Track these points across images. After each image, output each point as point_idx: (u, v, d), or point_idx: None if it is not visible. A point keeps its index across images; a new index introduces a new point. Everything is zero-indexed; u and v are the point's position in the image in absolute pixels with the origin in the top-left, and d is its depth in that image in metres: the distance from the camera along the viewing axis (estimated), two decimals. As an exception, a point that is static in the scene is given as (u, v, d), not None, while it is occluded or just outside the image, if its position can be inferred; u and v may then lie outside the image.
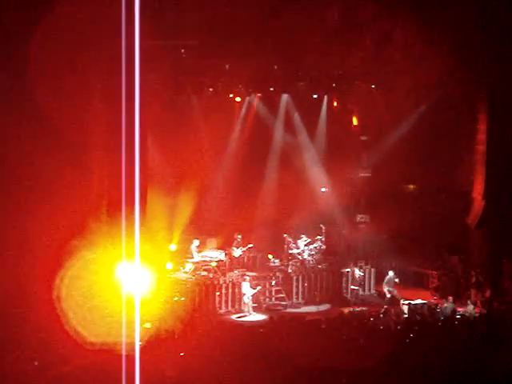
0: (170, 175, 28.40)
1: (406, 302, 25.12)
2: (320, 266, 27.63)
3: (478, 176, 27.97)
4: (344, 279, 27.57)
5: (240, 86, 28.74)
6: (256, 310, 25.70)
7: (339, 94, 29.91)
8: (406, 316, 23.97)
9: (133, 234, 16.31)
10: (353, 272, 27.52)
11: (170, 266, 26.68)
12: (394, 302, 25.85)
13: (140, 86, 16.35)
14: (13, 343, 17.87)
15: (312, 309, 26.34)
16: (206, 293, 25.51)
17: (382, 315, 23.25)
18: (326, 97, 30.31)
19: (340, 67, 27.43)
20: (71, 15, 21.02)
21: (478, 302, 25.72)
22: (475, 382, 16.97)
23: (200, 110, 29.12)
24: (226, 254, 27.30)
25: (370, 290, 28.16)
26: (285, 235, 28.05)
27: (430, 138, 28.92)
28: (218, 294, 25.64)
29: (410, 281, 28.91)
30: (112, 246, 20.97)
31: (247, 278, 25.93)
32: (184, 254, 27.50)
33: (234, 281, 26.00)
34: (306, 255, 27.68)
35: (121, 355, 15.41)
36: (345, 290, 27.54)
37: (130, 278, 20.21)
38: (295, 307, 26.60)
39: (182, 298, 24.72)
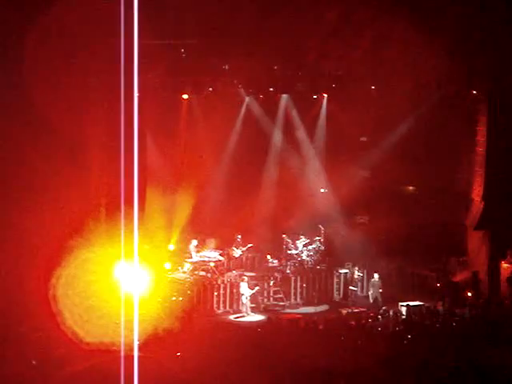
0: (169, 175, 28.39)
1: (405, 303, 25.11)
2: (318, 267, 27.59)
3: (477, 178, 27.94)
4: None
5: (239, 86, 28.70)
6: (254, 310, 25.67)
7: (339, 95, 29.86)
8: (404, 317, 23.96)
9: (131, 234, 16.30)
10: (352, 273, 27.48)
11: (168, 265, 26.69)
12: (377, 306, 25.78)
13: (139, 85, 16.35)
14: (10, 342, 17.85)
15: (310, 309, 26.33)
16: (204, 293, 25.51)
17: (380, 316, 23.25)
18: (325, 97, 30.29)
19: (339, 68, 27.39)
20: (69, 14, 21.00)
21: (476, 303, 25.72)
22: (473, 383, 16.96)
23: (199, 110, 29.09)
24: (224, 254, 27.27)
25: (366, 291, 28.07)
26: (283, 236, 28.03)
27: (429, 139, 28.87)
28: (216, 294, 25.62)
29: (408, 282, 28.87)
30: (110, 246, 20.95)
31: (245, 278, 25.91)
32: (182, 253, 27.50)
33: (233, 281, 25.99)
34: (304, 256, 27.66)
35: (119, 354, 15.38)
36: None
37: (129, 277, 20.20)
38: (293, 308, 26.58)
39: (180, 298, 24.69)
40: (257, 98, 29.80)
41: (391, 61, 25.95)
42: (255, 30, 24.28)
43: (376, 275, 26.76)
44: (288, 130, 30.63)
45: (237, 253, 27.70)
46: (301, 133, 30.68)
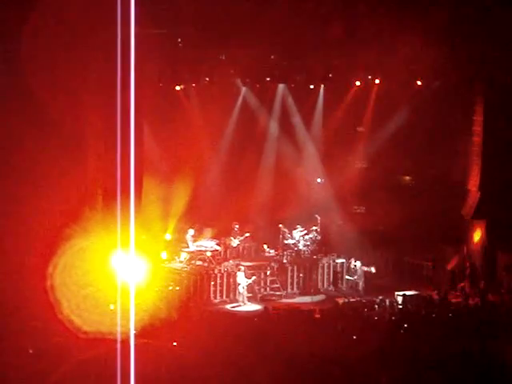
0: (166, 164, 28.37)
1: (401, 292, 25.16)
2: (315, 257, 27.63)
3: (474, 167, 27.96)
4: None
5: (236, 76, 28.66)
6: (251, 299, 25.72)
7: (336, 85, 29.83)
8: (401, 307, 24.01)
9: (128, 223, 16.31)
10: (349, 263, 27.53)
11: (164, 255, 26.70)
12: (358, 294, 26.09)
13: (135, 74, 16.33)
14: (7, 331, 17.85)
15: (306, 299, 26.37)
16: (200, 282, 25.52)
17: (376, 306, 23.30)
18: (322, 87, 30.25)
19: (336, 57, 27.36)
20: (66, 3, 20.94)
21: (473, 293, 25.77)
22: (470, 373, 17.00)
23: (196, 99, 29.06)
24: (221, 244, 27.28)
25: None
26: (280, 225, 28.05)
27: (426, 129, 28.88)
28: (212, 283, 25.65)
29: (405, 271, 28.94)
30: (107, 235, 20.93)
31: (242, 267, 25.95)
32: (179, 243, 27.50)
33: (229, 270, 26.01)
34: (301, 246, 27.68)
35: (115, 344, 15.40)
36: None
37: (125, 266, 20.20)
38: (290, 297, 26.62)
39: (177, 288, 24.73)
40: (253, 87, 29.78)
41: (388, 51, 25.92)
42: (252, 20, 24.21)
43: (359, 263, 26.82)
44: (285, 119, 30.62)
45: (234, 242, 27.72)
46: (298, 123, 30.67)
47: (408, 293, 25.22)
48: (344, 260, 27.65)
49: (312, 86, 30.03)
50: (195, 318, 21.02)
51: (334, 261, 27.71)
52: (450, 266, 27.74)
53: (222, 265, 26.18)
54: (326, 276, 27.53)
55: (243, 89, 29.73)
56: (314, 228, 28.16)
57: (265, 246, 27.90)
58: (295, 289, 27.10)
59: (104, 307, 19.68)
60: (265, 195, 29.84)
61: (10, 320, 18.59)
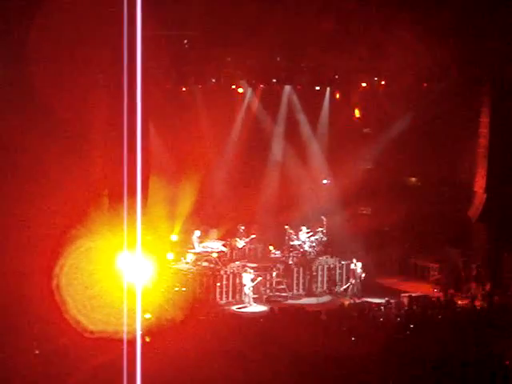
0: (172, 164, 28.39)
1: (407, 294, 25.14)
2: (321, 258, 27.60)
3: (480, 169, 27.93)
4: (339, 271, 27.49)
5: (243, 77, 28.69)
6: (256, 301, 25.71)
7: (342, 86, 29.84)
8: (406, 308, 23.98)
9: (134, 224, 16.31)
10: (354, 264, 27.48)
11: (171, 256, 26.70)
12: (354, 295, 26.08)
13: (142, 75, 16.35)
14: (13, 333, 17.86)
15: (312, 300, 26.36)
16: (206, 283, 25.54)
17: (382, 307, 23.27)
18: (328, 89, 30.27)
19: (343, 59, 27.36)
20: (72, 3, 20.97)
21: (479, 295, 25.74)
22: (475, 374, 16.98)
23: (202, 100, 29.09)
24: (227, 245, 27.29)
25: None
26: (286, 227, 28.04)
27: (432, 130, 28.88)
28: (218, 284, 25.66)
29: (411, 273, 28.91)
30: (113, 236, 20.94)
31: (248, 269, 25.95)
32: (185, 244, 27.51)
33: (235, 272, 26.01)
34: (306, 247, 27.66)
35: (121, 344, 15.41)
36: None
37: (131, 267, 20.21)
38: (296, 299, 26.62)
39: (183, 289, 24.76)
40: (260, 89, 29.80)
41: (393, 53, 25.91)
42: (258, 22, 24.25)
43: (359, 263, 26.76)
44: (291, 121, 30.63)
45: (240, 243, 27.73)
46: (304, 124, 30.68)
47: (414, 294, 25.19)
48: (347, 261, 27.57)
49: (318, 88, 30.04)
50: (201, 318, 21.00)
51: (339, 262, 27.67)
52: (458, 270, 27.69)
53: (228, 266, 26.18)
54: (331, 277, 27.47)
55: (249, 90, 29.76)
56: (320, 229, 28.14)
57: (271, 248, 27.88)
58: (301, 290, 27.09)
59: (110, 308, 19.67)
60: (271, 196, 29.85)
61: (16, 321, 18.60)
